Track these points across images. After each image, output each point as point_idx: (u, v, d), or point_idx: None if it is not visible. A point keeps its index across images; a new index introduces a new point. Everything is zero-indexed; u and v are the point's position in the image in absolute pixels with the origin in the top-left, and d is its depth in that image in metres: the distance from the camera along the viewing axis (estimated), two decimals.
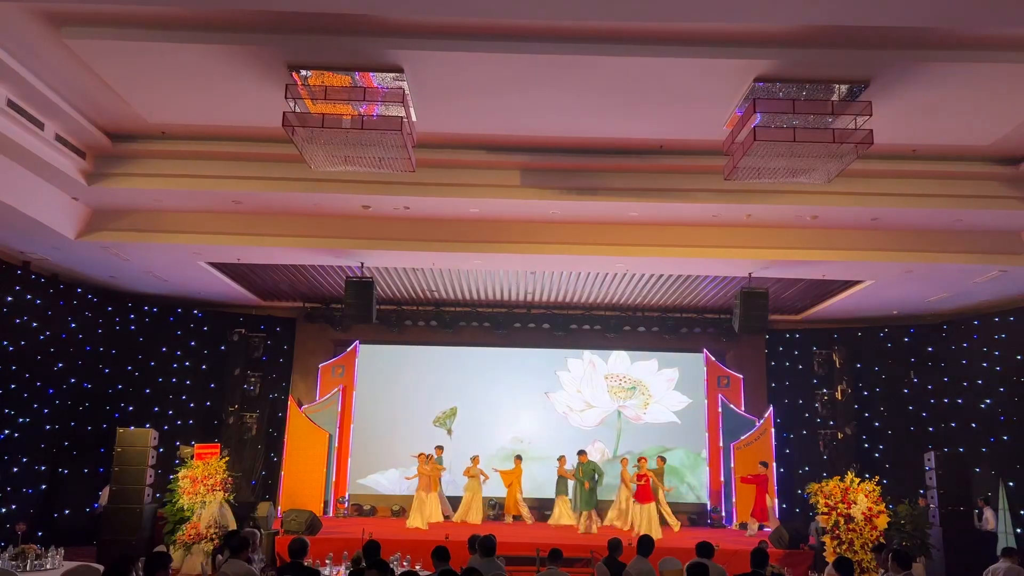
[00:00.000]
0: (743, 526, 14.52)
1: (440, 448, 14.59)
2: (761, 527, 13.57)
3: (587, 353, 16.51)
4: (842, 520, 10.88)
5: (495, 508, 15.03)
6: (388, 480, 15.82)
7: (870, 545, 10.56)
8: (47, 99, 8.10)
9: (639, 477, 13.18)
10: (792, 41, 6.86)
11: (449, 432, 16.03)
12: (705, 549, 7.34)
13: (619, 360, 16.63)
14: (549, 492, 14.76)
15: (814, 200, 9.81)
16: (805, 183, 8.47)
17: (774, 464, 15.15)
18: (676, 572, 8.23)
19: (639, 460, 14.04)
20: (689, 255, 11.27)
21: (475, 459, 14.75)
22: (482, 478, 14.53)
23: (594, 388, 16.56)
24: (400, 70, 7.30)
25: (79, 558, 9.40)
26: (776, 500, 14.73)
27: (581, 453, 14.14)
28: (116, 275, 13.10)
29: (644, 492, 12.96)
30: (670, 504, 14.18)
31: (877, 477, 11.56)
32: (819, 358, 15.42)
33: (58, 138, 8.89)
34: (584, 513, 13.37)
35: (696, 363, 16.31)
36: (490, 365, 16.43)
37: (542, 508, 15.00)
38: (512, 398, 16.31)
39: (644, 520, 12.71)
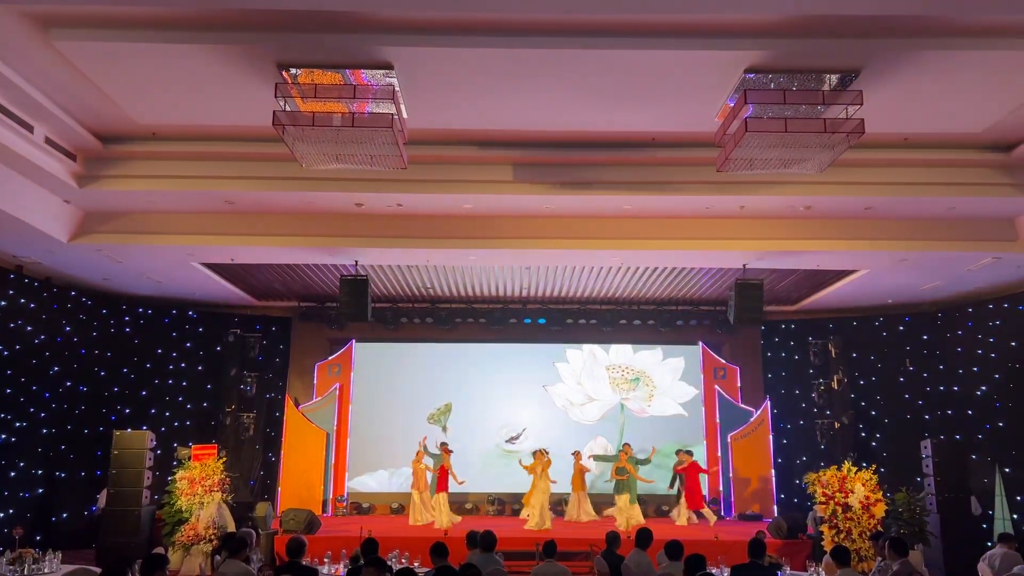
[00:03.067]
0: (743, 517, 14.57)
1: (444, 445, 14.31)
2: (699, 515, 13.64)
3: (587, 343, 16.38)
4: (840, 509, 10.92)
5: (495, 504, 15.05)
6: (377, 482, 15.68)
7: (868, 534, 10.60)
8: (36, 102, 8.07)
9: (439, 469, 13.36)
10: (782, 31, 6.85)
11: (444, 429, 15.96)
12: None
13: (621, 350, 16.37)
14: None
15: (807, 190, 9.82)
16: (797, 173, 8.47)
17: (771, 455, 15.19)
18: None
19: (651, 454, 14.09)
20: (683, 247, 11.28)
21: (577, 454, 14.49)
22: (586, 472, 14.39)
23: (595, 380, 16.27)
24: (390, 67, 7.28)
25: (77, 561, 9.42)
26: (774, 491, 14.80)
27: (626, 446, 14.05)
28: (110, 277, 13.06)
29: (439, 482, 13.17)
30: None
31: (874, 466, 11.60)
32: (815, 348, 15.43)
33: (48, 141, 8.85)
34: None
35: (694, 355, 16.30)
36: (487, 361, 16.36)
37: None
38: (510, 393, 16.21)
39: (438, 511, 13.02)
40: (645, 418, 16.08)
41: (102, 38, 6.93)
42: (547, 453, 13.71)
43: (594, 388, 16.30)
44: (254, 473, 15.09)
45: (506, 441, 15.71)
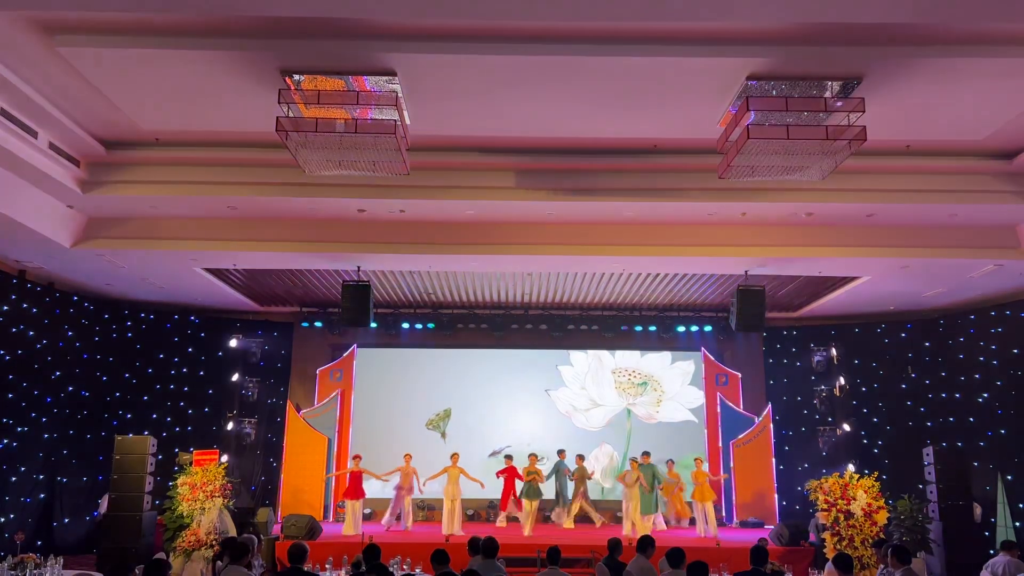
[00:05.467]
0: (744, 524, 14.53)
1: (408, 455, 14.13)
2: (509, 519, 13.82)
3: (588, 350, 16.21)
4: (842, 516, 10.89)
5: (495, 510, 15.01)
6: (370, 490, 15.42)
7: (870, 541, 10.58)
8: (40, 107, 8.10)
9: (351, 474, 13.33)
10: (784, 39, 6.87)
11: (443, 435, 15.93)
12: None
13: (628, 353, 16.13)
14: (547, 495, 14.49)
15: (809, 197, 9.83)
16: (799, 180, 8.48)
17: (773, 461, 15.17)
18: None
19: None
20: (685, 254, 11.28)
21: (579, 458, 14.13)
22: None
23: (600, 384, 16.04)
24: (393, 73, 7.30)
25: (79, 567, 9.42)
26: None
27: (645, 454, 13.67)
28: (112, 283, 13.08)
29: (352, 488, 13.15)
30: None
31: (876, 473, 11.57)
32: (817, 355, 15.41)
33: (52, 146, 8.88)
34: (649, 517, 13.24)
35: (696, 361, 16.23)
36: (489, 366, 16.31)
37: (545, 510, 14.95)
38: (512, 399, 16.13)
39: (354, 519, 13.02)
40: (653, 424, 15.85)
41: (106, 44, 6.96)
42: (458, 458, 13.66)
43: (599, 393, 16.05)
44: (255, 478, 15.08)
45: (489, 455, 15.47)
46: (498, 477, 13.81)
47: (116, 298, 14.27)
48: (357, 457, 13.66)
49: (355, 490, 13.16)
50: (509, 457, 14.00)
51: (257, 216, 10.85)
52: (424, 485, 13.72)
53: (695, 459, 13.82)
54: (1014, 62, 7.05)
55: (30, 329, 12.38)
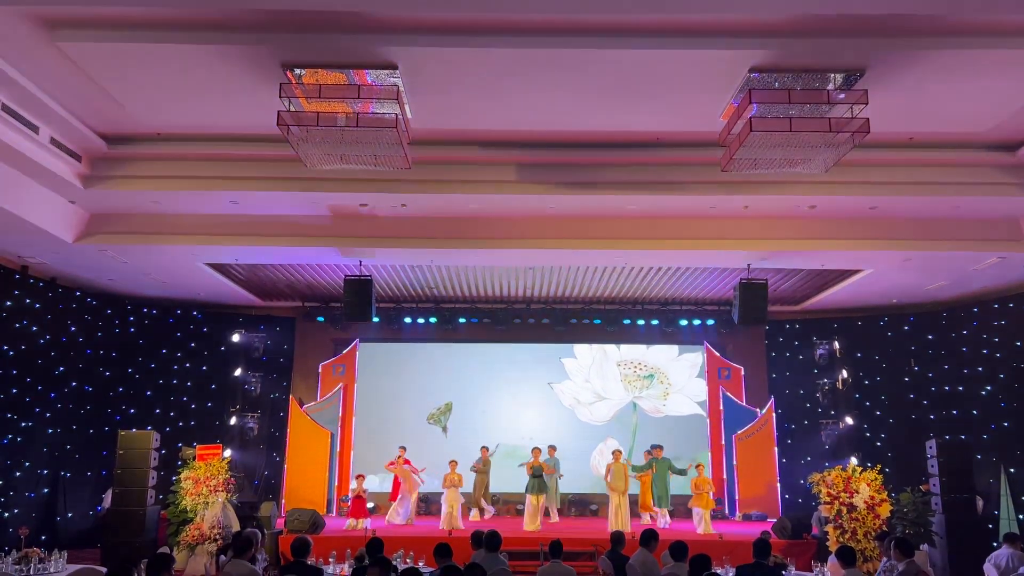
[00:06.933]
0: (747, 517, 14.55)
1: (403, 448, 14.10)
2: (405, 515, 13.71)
3: (590, 343, 16.15)
4: (845, 509, 10.90)
5: (497, 503, 15.02)
6: (369, 485, 15.34)
7: (873, 534, 10.59)
8: (41, 103, 8.09)
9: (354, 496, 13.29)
10: (787, 31, 6.83)
11: (444, 429, 15.90)
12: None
13: (633, 345, 16.01)
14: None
15: (811, 190, 9.80)
16: (802, 173, 8.46)
17: (776, 455, 15.17)
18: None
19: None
20: (687, 247, 11.27)
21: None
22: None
23: (605, 377, 15.91)
24: (394, 67, 7.28)
25: (83, 561, 9.45)
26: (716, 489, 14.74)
27: (657, 448, 13.56)
28: (115, 278, 13.09)
29: (355, 508, 13.08)
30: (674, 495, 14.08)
31: (879, 466, 11.57)
32: (819, 348, 15.40)
33: (53, 142, 8.88)
34: (662, 510, 13.33)
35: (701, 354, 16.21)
36: (491, 360, 16.30)
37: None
38: (514, 393, 16.11)
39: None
40: (660, 418, 15.74)
41: (107, 39, 6.95)
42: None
43: (604, 386, 15.94)
44: (258, 473, 15.12)
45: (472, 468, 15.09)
46: (387, 469, 13.82)
47: (118, 293, 14.28)
48: (360, 477, 13.63)
49: (358, 510, 13.14)
50: (403, 448, 13.80)
51: (259, 211, 10.84)
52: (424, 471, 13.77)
53: (696, 466, 13.21)
54: (1018, 54, 7.02)
55: (33, 324, 12.41)
